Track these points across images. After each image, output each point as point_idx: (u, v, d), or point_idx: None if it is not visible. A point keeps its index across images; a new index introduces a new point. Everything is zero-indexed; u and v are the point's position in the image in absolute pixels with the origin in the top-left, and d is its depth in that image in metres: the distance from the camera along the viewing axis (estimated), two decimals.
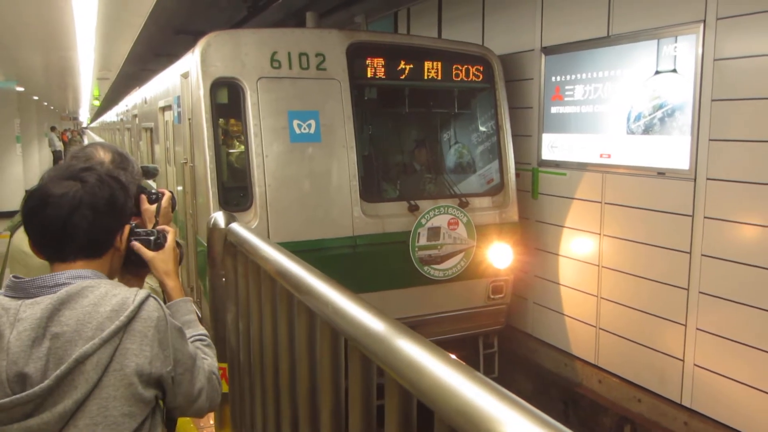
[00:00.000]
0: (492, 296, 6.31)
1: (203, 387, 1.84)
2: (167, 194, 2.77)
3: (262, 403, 2.32)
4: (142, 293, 1.68)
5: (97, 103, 30.60)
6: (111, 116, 25.64)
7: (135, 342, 1.62)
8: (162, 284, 2.18)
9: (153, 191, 2.73)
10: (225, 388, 2.74)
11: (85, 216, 1.71)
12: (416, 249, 5.75)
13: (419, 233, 5.73)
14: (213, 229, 2.57)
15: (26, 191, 1.80)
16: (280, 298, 2.03)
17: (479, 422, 1.00)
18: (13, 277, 1.69)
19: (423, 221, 5.73)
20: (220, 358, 2.72)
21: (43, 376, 1.55)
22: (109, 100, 29.68)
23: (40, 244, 1.76)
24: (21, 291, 1.66)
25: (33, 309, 1.60)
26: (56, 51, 12.32)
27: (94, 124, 50.51)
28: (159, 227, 2.24)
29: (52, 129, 29.50)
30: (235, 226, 2.49)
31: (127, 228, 1.90)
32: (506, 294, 6.41)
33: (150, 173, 2.94)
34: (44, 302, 1.61)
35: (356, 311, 1.43)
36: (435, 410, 1.08)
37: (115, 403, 1.59)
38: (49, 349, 1.56)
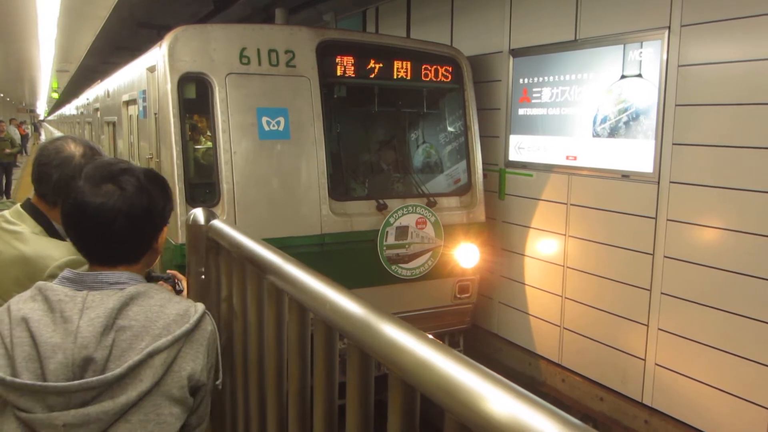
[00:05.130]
0: (458, 296, 6.35)
1: (207, 415, 1.86)
2: None
3: (244, 400, 2.30)
4: (200, 306, 1.75)
5: (56, 95, 29.98)
6: (70, 109, 25.15)
7: (193, 348, 1.67)
8: None
9: None
10: None
11: (124, 225, 1.72)
12: (384, 248, 5.76)
13: (387, 232, 5.74)
14: (192, 225, 2.52)
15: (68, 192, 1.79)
16: (268, 296, 2.02)
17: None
18: (69, 270, 1.71)
19: (391, 220, 5.75)
20: None
21: (105, 366, 1.56)
22: (69, 93, 29.11)
23: (79, 248, 1.79)
24: (82, 284, 1.68)
25: (104, 300, 1.63)
26: (15, 42, 12.05)
27: (51, 117, 49.43)
28: (171, 271, 2.26)
29: (11, 121, 28.79)
30: (217, 222, 2.46)
31: (165, 229, 1.89)
32: (472, 294, 6.46)
33: None
34: (115, 295, 1.65)
35: (357, 310, 1.43)
36: (444, 407, 1.10)
37: (167, 403, 1.62)
38: (113, 341, 1.59)
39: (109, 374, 1.53)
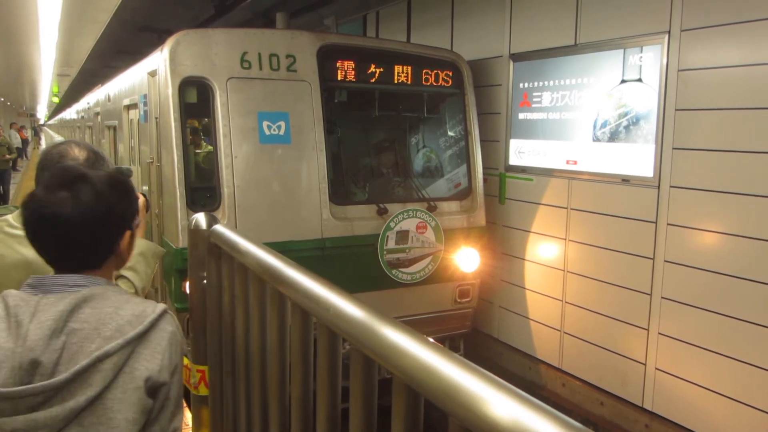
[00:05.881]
0: (459, 300, 6.34)
1: (176, 429, 1.75)
2: (141, 198, 2.73)
3: (246, 405, 2.30)
4: (160, 306, 1.70)
5: (56, 99, 30.00)
6: (71, 113, 25.18)
7: (148, 348, 1.62)
8: None
9: None
10: (204, 391, 2.72)
11: (78, 233, 1.68)
12: (384, 252, 5.75)
13: (388, 236, 5.75)
14: (195, 230, 2.54)
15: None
16: (271, 300, 2.02)
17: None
18: (33, 276, 1.70)
19: (392, 224, 5.75)
20: (200, 360, 2.70)
21: (54, 370, 1.53)
22: (69, 97, 29.13)
23: (40, 254, 1.75)
24: (40, 287, 1.66)
25: (56, 303, 1.61)
26: (16, 45, 12.05)
27: (52, 121, 49.49)
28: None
29: (12, 125, 28.83)
30: (219, 227, 2.47)
31: (128, 233, 1.82)
32: (473, 298, 6.46)
33: (124, 175, 2.89)
34: (67, 298, 1.62)
35: (361, 314, 1.43)
36: (447, 411, 1.11)
37: (121, 406, 1.57)
38: (64, 343, 1.56)
39: (54, 380, 1.51)
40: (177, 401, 1.73)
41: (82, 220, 1.67)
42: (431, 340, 1.28)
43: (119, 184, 1.79)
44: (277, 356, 2.02)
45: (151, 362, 1.60)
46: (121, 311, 1.63)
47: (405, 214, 5.83)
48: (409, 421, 1.29)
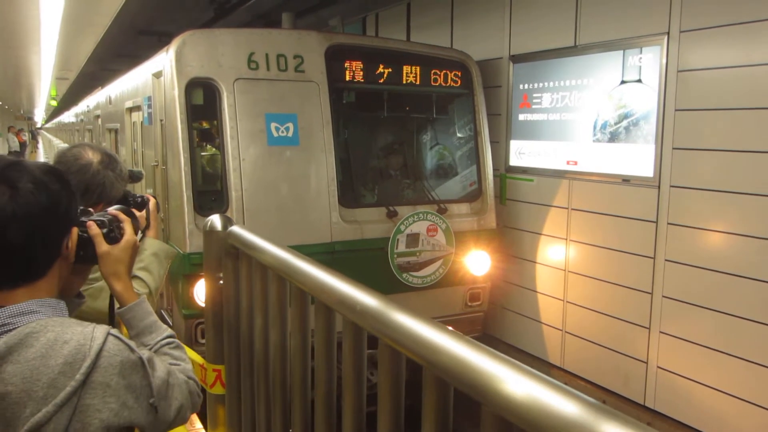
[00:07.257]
0: (469, 303, 6.27)
1: (181, 405, 1.60)
2: (153, 199, 2.77)
3: (266, 404, 2.33)
4: (99, 335, 1.40)
5: (54, 103, 29.94)
6: (69, 117, 25.10)
7: (96, 396, 1.35)
8: (110, 286, 1.84)
9: (138, 195, 2.75)
10: (221, 390, 2.75)
11: (19, 232, 1.37)
12: (395, 256, 5.68)
13: (398, 240, 5.67)
14: (210, 232, 2.58)
15: None
16: (292, 299, 2.05)
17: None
18: None
19: (402, 227, 5.68)
20: (217, 360, 2.74)
21: None
22: (68, 101, 29.10)
23: None
24: None
25: None
26: (15, 50, 12.07)
27: (49, 125, 49.36)
28: (111, 212, 1.87)
29: (10, 128, 28.80)
30: (236, 228, 2.51)
31: (75, 231, 1.56)
32: (483, 301, 6.38)
33: (136, 177, 2.92)
34: None
35: (390, 311, 1.47)
36: (480, 401, 1.17)
37: None
38: None
39: None
40: (164, 396, 1.52)
41: (23, 213, 1.37)
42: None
43: (56, 171, 1.51)
44: (299, 355, 2.05)
45: (103, 411, 1.35)
46: (50, 360, 1.32)
47: (415, 216, 5.75)
48: (440, 413, 1.34)
